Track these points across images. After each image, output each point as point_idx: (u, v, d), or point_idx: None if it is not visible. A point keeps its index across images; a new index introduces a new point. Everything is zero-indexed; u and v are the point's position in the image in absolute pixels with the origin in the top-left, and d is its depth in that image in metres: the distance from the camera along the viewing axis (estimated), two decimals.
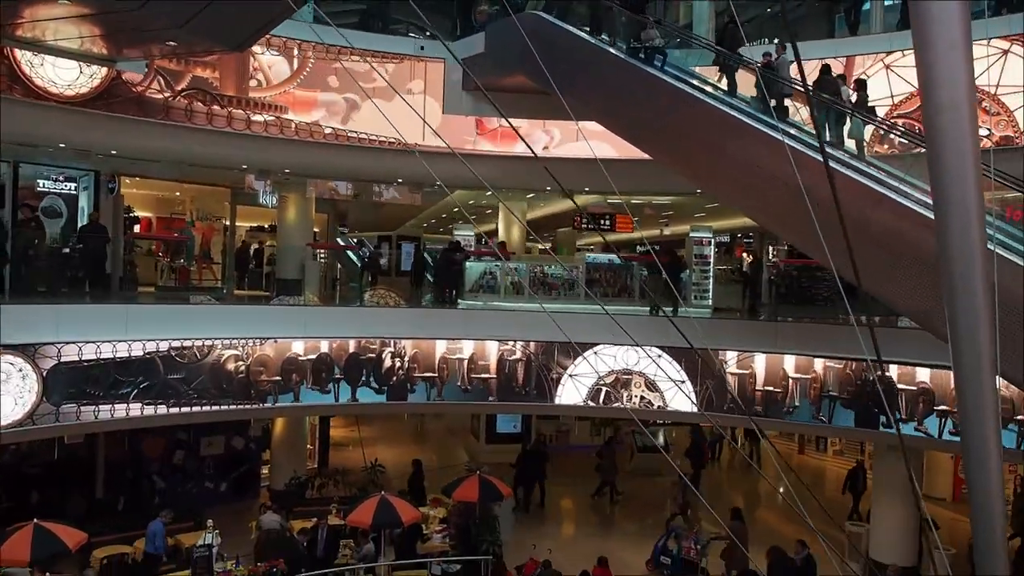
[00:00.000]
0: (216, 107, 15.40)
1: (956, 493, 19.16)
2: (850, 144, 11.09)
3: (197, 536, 13.39)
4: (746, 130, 10.36)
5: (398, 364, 14.96)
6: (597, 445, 24.03)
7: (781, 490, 21.26)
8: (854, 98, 11.87)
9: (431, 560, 13.56)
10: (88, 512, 15.39)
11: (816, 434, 21.25)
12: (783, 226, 10.71)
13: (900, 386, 13.25)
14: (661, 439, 22.82)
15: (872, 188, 9.09)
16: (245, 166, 16.30)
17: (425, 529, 14.96)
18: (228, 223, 19.81)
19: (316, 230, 20.21)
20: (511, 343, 15.27)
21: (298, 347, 14.57)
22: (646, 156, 12.56)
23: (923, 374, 13.15)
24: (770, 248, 24.55)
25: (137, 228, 19.41)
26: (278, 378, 14.30)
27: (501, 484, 14.68)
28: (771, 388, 14.37)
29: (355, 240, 21.26)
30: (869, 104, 12.53)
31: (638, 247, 22.81)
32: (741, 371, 14.54)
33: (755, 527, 15.50)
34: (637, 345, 13.67)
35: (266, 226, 23.75)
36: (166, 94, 15.86)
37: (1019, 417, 12.30)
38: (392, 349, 14.97)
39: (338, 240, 21.34)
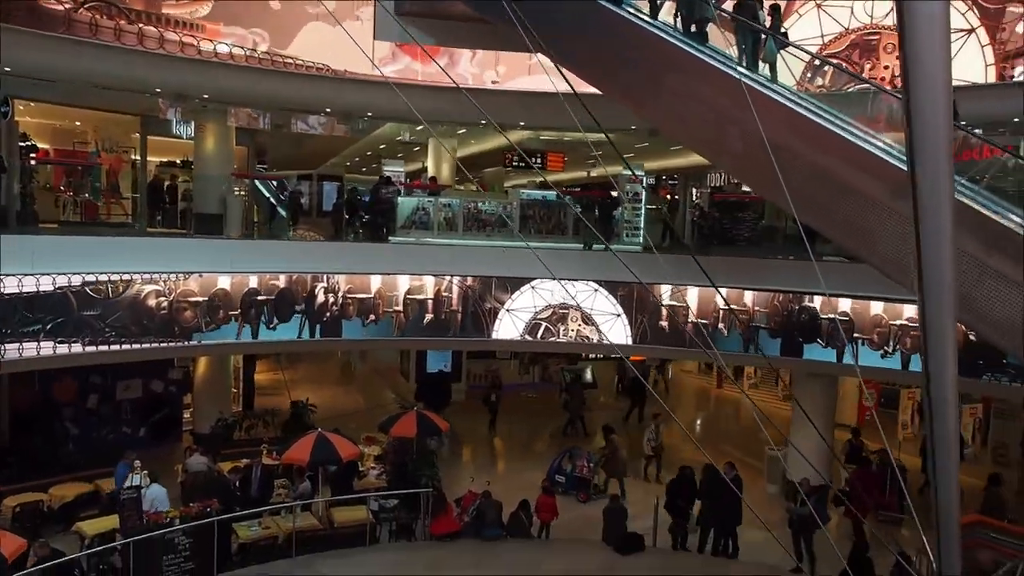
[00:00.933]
0: (124, 22, 14.20)
1: (860, 419, 20.27)
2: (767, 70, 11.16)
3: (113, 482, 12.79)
4: (673, 54, 10.24)
5: (331, 300, 14.51)
6: (528, 383, 24.31)
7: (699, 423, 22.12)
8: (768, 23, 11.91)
9: (369, 495, 13.42)
10: None
11: (745, 364, 21.96)
12: (727, 160, 10.73)
13: (824, 316, 13.79)
14: (588, 375, 23.21)
15: (792, 109, 9.11)
16: (158, 90, 15.17)
17: (360, 467, 14.79)
18: (137, 155, 18.54)
19: (235, 166, 19.21)
20: (448, 278, 15.04)
21: (224, 282, 13.90)
22: (587, 88, 12.35)
23: (844, 304, 13.70)
24: (693, 190, 25.01)
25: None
26: (204, 316, 13.66)
27: (438, 419, 14.60)
28: (703, 320, 14.72)
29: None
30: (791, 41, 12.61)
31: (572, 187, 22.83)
32: (676, 303, 14.82)
33: (682, 454, 15.99)
34: (555, 278, 13.64)
35: (178, 161, 22.39)
36: (67, 5, 14.48)
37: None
38: (325, 284, 14.49)
39: (260, 171, 20.37)
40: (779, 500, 15.88)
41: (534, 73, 18.03)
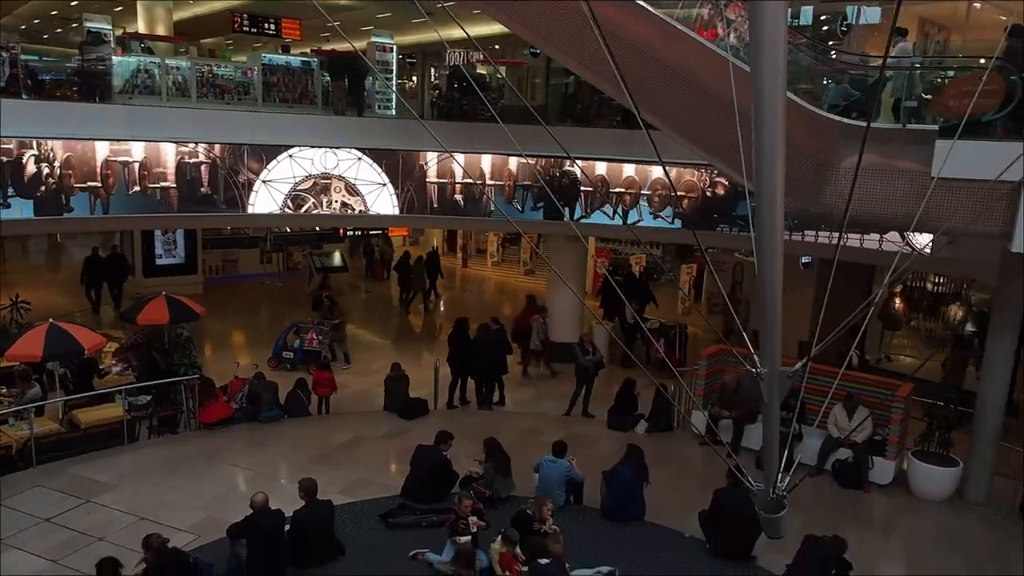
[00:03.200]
0: None
1: (595, 286, 22.18)
2: None
3: None
4: None
5: (46, 170, 12.10)
6: (273, 273, 23.00)
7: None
8: None
9: (121, 389, 11.85)
10: None
11: (512, 231, 22.60)
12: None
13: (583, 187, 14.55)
14: (337, 258, 22.46)
15: None
16: None
17: (100, 365, 13.00)
18: None
19: None
20: (192, 145, 13.29)
21: None
22: None
23: (600, 168, 14.55)
24: (432, 69, 24.64)
25: None
26: None
27: (192, 303, 13.19)
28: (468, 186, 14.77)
29: None
30: None
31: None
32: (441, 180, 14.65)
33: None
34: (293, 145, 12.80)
35: None
36: None
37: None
38: (35, 152, 12.02)
39: None
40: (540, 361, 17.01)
41: None
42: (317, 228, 23.25)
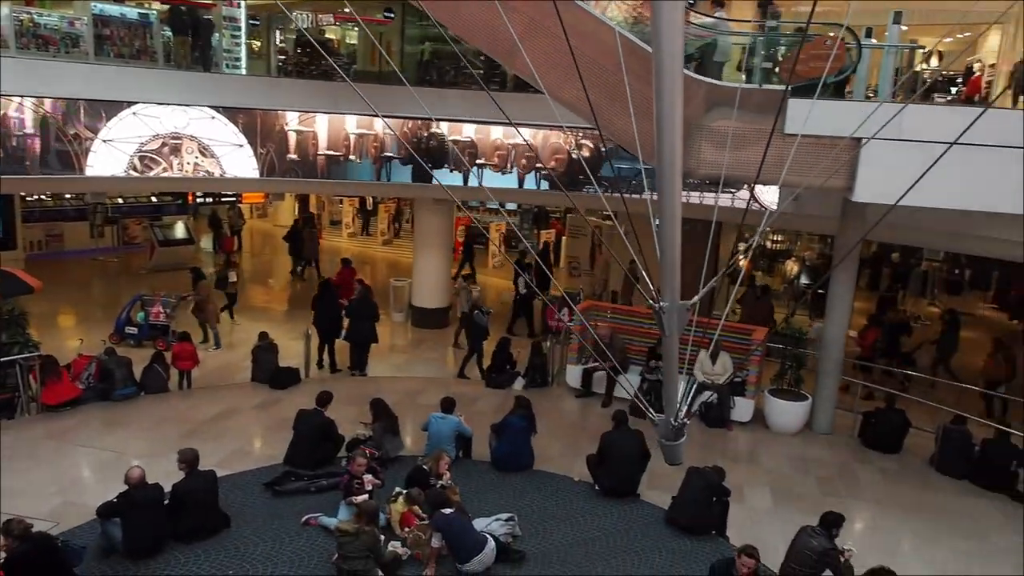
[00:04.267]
0: None
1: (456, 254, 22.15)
2: None
3: None
4: None
5: None
6: (103, 248, 21.22)
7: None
8: None
9: None
10: None
11: (375, 193, 22.00)
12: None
13: (452, 139, 14.43)
14: (181, 230, 20.98)
15: None
16: None
17: None
18: None
19: None
20: (18, 100, 11.88)
21: None
22: None
23: (469, 130, 14.51)
24: (277, 32, 23.54)
25: None
26: None
27: (26, 275, 11.90)
28: (332, 152, 14.24)
29: None
30: None
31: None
32: (304, 129, 14.00)
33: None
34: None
35: None
36: None
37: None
38: None
39: None
40: (405, 328, 16.86)
41: None
42: (153, 198, 21.60)
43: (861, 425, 11.67)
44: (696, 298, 3.97)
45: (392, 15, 15.95)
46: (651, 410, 4.74)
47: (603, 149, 13.94)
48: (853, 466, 10.82)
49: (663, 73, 2.69)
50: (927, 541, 8.91)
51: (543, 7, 9.31)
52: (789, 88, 9.72)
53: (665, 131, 2.91)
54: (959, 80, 16.05)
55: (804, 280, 17.10)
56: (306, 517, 8.29)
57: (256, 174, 13.88)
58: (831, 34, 10.42)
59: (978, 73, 15.31)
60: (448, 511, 7.38)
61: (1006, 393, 12.75)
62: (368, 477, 8.12)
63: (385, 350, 14.81)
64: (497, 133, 14.42)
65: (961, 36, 17.23)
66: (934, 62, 17.59)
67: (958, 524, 9.35)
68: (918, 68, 14.46)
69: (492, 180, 14.46)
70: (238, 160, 13.72)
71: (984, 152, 8.62)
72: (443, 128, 14.39)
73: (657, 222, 3.56)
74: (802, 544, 7.28)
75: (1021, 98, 11.58)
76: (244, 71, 14.82)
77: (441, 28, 11.01)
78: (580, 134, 14.14)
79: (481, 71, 14.64)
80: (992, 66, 15.78)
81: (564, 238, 22.38)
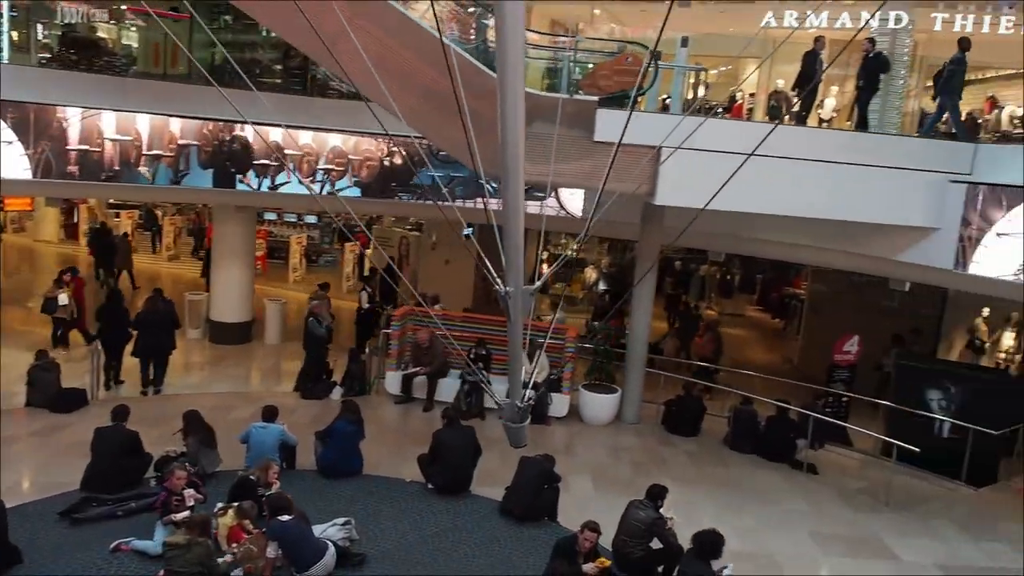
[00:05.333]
0: None
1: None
2: None
3: None
4: None
5: None
6: None
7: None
8: None
9: None
10: None
11: (175, 199, 20.26)
12: None
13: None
14: None
15: None
16: None
17: None
18: None
19: None
20: None
21: None
22: None
23: (275, 135, 13.90)
24: (39, 26, 21.23)
25: None
26: None
27: None
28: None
29: None
30: None
31: None
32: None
33: None
34: None
35: None
36: None
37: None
38: None
39: None
40: (202, 344, 15.73)
41: None
42: None
43: (664, 413, 12.67)
44: (538, 284, 4.24)
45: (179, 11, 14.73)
46: (495, 394, 4.84)
47: (413, 159, 14.04)
48: (660, 450, 11.72)
49: (506, 67, 2.82)
50: (731, 511, 9.83)
51: (359, 7, 9.29)
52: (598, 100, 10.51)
53: (508, 126, 3.04)
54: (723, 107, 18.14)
55: (602, 286, 18.31)
56: (116, 543, 7.47)
57: (29, 175, 12.35)
58: (629, 53, 11.41)
59: (740, 101, 17.44)
60: (286, 518, 7.01)
61: (717, 365, 14.73)
62: (189, 492, 7.50)
63: (180, 368, 13.72)
64: (306, 138, 14.00)
65: (724, 68, 19.52)
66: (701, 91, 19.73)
67: (754, 493, 10.45)
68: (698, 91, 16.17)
69: (298, 187, 13.96)
70: (7, 159, 12.13)
71: (763, 163, 9.85)
72: (247, 132, 13.70)
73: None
74: (631, 517, 7.77)
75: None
76: (5, 58, 13.23)
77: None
78: (391, 141, 14.12)
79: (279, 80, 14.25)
80: (752, 95, 17.98)
81: (368, 250, 22.10)
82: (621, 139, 4.35)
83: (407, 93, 9.49)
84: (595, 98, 10.52)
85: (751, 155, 4.80)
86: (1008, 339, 15.68)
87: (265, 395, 12.58)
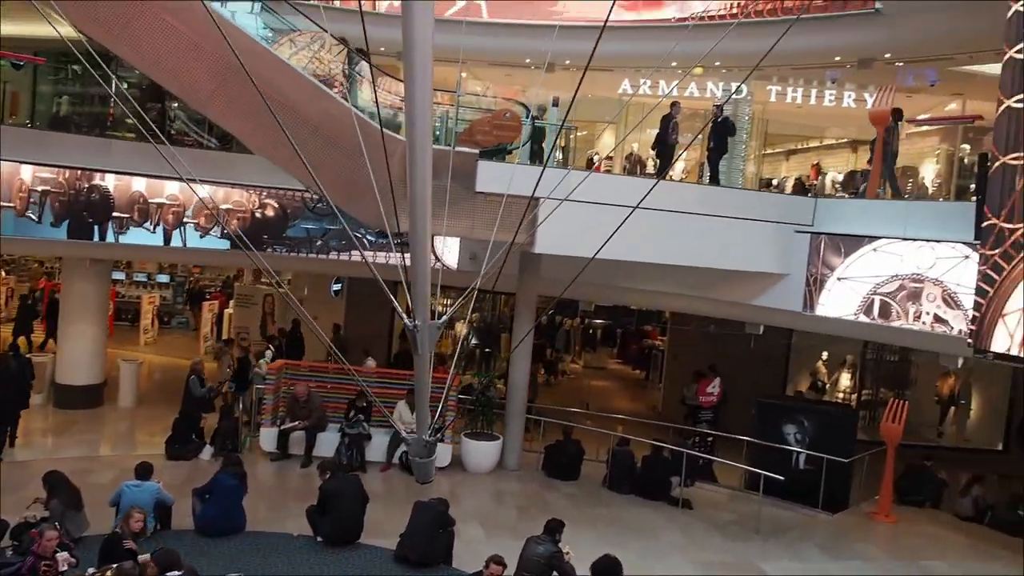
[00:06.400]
0: None
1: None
2: None
3: None
4: None
5: None
6: None
7: None
8: None
9: None
10: None
11: (40, 253, 18.43)
12: None
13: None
14: None
15: None
16: None
17: None
18: None
19: None
20: None
21: None
22: None
23: (139, 184, 13.23)
24: None
25: None
26: None
27: None
28: None
29: None
30: None
31: None
32: None
33: None
34: None
35: None
36: None
37: None
38: None
39: None
40: (46, 410, 14.42)
41: None
42: None
43: (544, 459, 12.92)
44: (444, 319, 4.40)
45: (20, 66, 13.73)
46: (402, 428, 4.84)
47: (287, 211, 13.87)
48: (543, 494, 11.92)
49: (415, 121, 2.99)
50: (613, 546, 9.97)
51: (230, 55, 9.26)
52: (479, 152, 10.94)
53: (417, 162, 3.21)
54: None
55: (474, 340, 18.57)
56: None
57: None
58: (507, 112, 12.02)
59: (597, 163, 18.59)
60: (176, 574, 6.56)
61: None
62: (63, 556, 6.85)
63: (24, 434, 12.49)
64: (173, 188, 13.46)
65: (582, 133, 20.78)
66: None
67: (633, 530, 10.82)
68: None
69: (138, 236, 13.24)
70: None
71: (634, 214, 10.60)
72: (108, 181, 13.02)
73: None
74: (530, 552, 7.88)
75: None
76: None
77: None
78: (264, 193, 13.91)
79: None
80: (609, 157, 19.22)
81: (228, 310, 21.22)
82: (508, 189, 4.63)
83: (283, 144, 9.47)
84: (476, 151, 10.97)
85: (636, 208, 4.98)
86: (845, 379, 17.36)
87: (126, 458, 11.70)
